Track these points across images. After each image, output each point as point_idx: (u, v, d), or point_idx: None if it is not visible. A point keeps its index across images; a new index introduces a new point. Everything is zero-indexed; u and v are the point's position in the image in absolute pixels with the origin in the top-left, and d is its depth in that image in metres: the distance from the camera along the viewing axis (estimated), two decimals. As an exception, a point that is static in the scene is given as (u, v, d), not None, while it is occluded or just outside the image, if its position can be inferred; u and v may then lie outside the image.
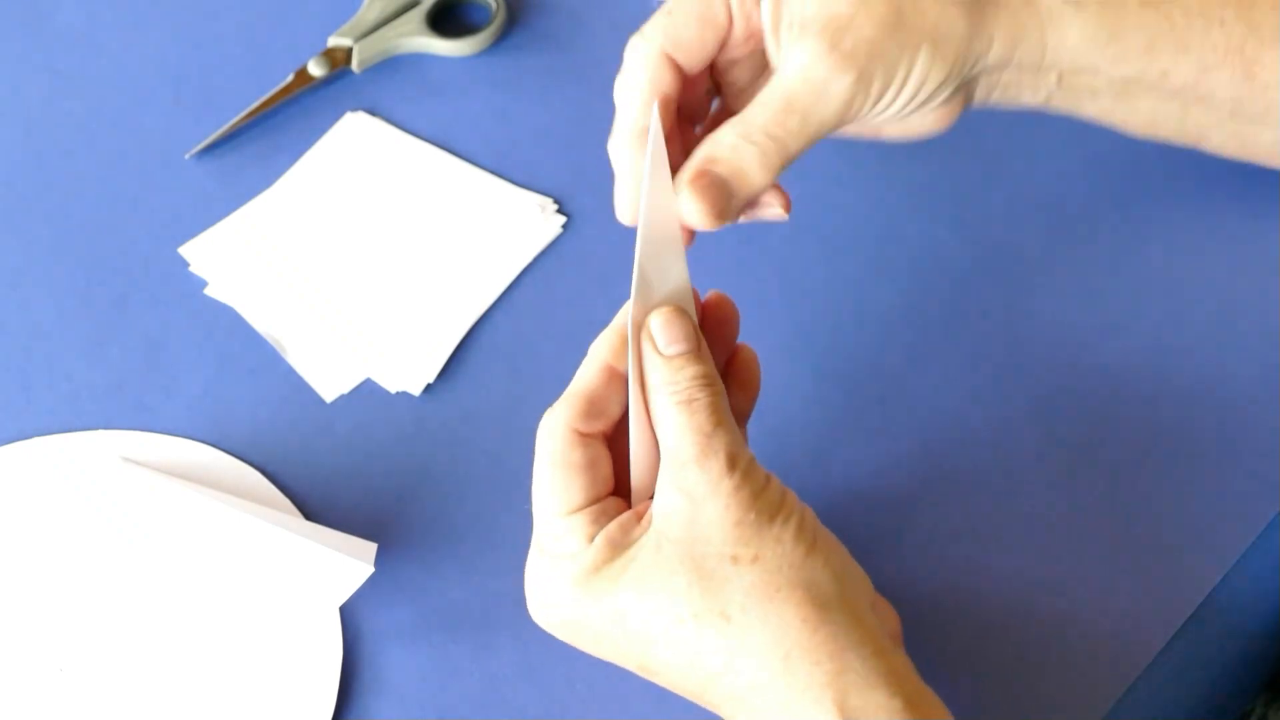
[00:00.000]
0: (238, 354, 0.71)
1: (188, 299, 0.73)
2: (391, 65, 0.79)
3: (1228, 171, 0.70)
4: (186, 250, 0.74)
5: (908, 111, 0.61)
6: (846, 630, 0.54)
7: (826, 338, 0.70)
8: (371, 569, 0.63)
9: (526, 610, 0.59)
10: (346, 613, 0.65)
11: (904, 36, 0.59)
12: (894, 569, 0.64)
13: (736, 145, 0.58)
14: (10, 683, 0.64)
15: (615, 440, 0.58)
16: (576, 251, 0.73)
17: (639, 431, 0.57)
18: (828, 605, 0.54)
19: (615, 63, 0.61)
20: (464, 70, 0.79)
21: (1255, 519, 0.66)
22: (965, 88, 0.63)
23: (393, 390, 0.70)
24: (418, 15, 0.80)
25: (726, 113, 0.63)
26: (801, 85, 0.58)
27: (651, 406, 0.56)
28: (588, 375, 0.57)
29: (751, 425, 0.61)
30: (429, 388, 0.70)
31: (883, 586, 0.59)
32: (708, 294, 0.60)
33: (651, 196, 0.56)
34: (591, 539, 0.56)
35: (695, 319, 0.57)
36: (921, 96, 0.60)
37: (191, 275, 0.73)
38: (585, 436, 0.56)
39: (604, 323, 0.58)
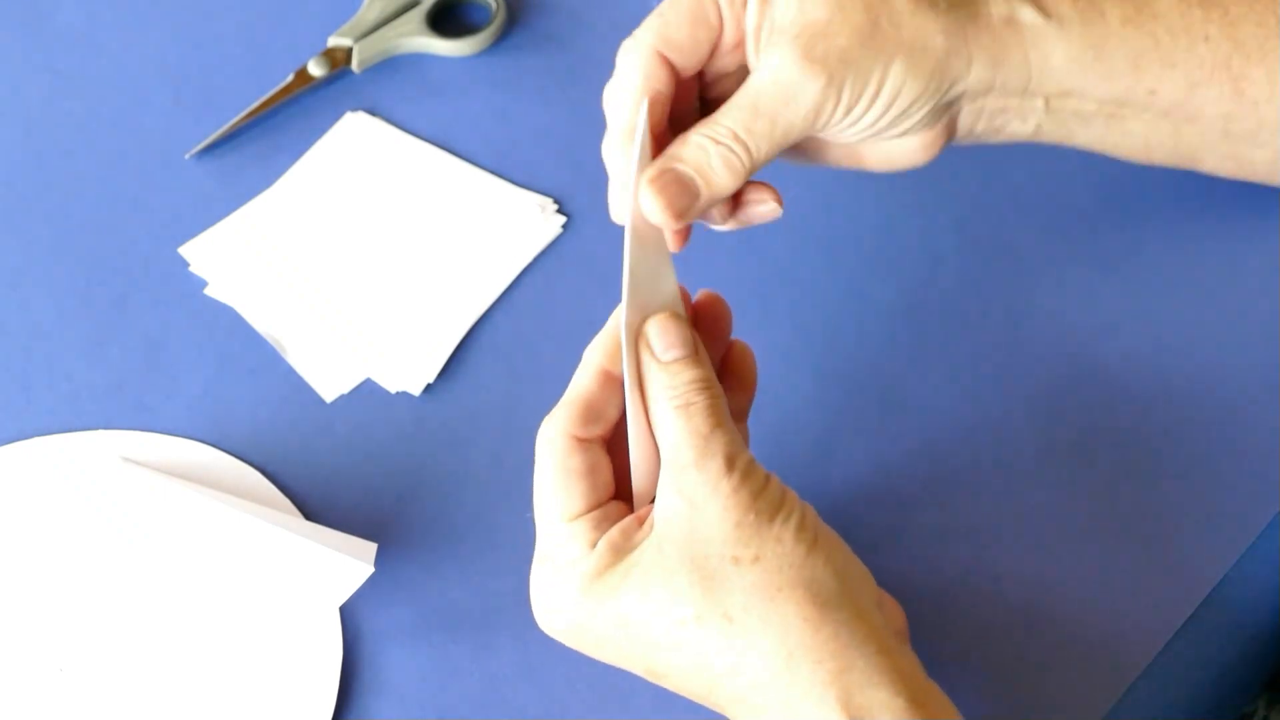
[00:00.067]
0: (238, 354, 0.71)
1: (188, 299, 0.73)
2: (391, 65, 0.79)
3: (1228, 172, 0.70)
4: (186, 250, 0.74)
5: (883, 126, 0.60)
6: (849, 628, 0.54)
7: (826, 338, 0.70)
8: (371, 569, 0.63)
9: (526, 610, 0.59)
10: (346, 613, 0.65)
11: (879, 46, 0.58)
12: (894, 568, 0.64)
13: (702, 145, 0.58)
14: (10, 683, 0.64)
15: (614, 444, 0.58)
16: (576, 251, 0.73)
17: (638, 436, 0.57)
18: (830, 603, 0.54)
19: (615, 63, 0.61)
20: (464, 70, 0.79)
21: (1255, 519, 0.66)
22: (948, 113, 0.62)
23: (393, 390, 0.70)
24: (418, 15, 0.79)
25: None
26: (771, 88, 0.58)
27: (650, 412, 0.56)
28: (583, 381, 0.57)
29: (751, 425, 0.61)
30: (429, 388, 0.70)
31: (882, 586, 0.58)
32: (699, 293, 0.60)
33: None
34: (594, 544, 0.56)
35: (687, 319, 0.57)
36: (895, 110, 0.60)
37: (191, 275, 0.73)
38: (584, 442, 0.56)
39: (603, 323, 0.58)
